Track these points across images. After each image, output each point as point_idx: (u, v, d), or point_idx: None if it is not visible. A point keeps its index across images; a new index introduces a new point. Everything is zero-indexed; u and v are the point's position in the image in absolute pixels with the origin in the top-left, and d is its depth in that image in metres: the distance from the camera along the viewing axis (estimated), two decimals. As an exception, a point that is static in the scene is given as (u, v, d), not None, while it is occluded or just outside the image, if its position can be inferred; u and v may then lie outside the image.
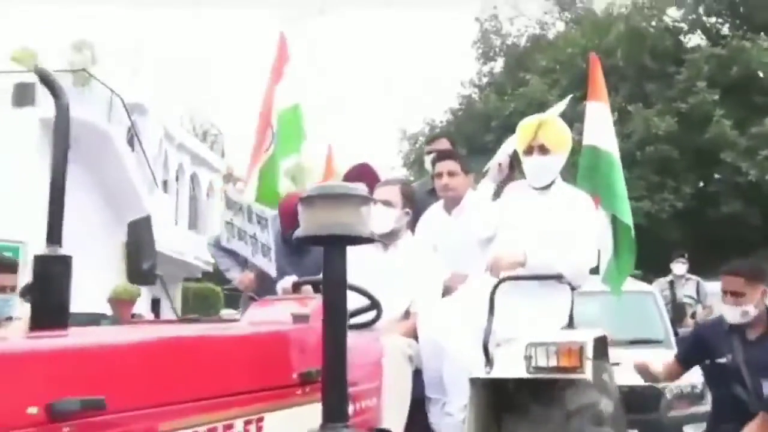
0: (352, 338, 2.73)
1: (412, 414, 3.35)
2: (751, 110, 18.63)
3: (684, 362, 4.52)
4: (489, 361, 3.43)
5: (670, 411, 6.59)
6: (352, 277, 3.71)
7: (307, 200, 2.11)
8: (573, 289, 3.91)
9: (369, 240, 2.13)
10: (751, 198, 18.36)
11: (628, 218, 4.45)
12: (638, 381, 4.76)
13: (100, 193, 18.08)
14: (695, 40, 21.78)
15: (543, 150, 3.76)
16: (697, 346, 4.44)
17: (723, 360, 4.18)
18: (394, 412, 3.20)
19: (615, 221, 4.45)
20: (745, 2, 20.89)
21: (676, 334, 7.74)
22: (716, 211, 18.49)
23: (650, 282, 9.05)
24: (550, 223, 3.71)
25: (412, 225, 4.44)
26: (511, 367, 3.40)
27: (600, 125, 4.58)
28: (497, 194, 3.98)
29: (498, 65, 24.62)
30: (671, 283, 9.27)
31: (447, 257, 4.22)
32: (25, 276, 3.85)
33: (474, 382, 3.45)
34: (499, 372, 3.42)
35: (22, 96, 17.17)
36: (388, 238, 3.85)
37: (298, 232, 2.11)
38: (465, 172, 4.33)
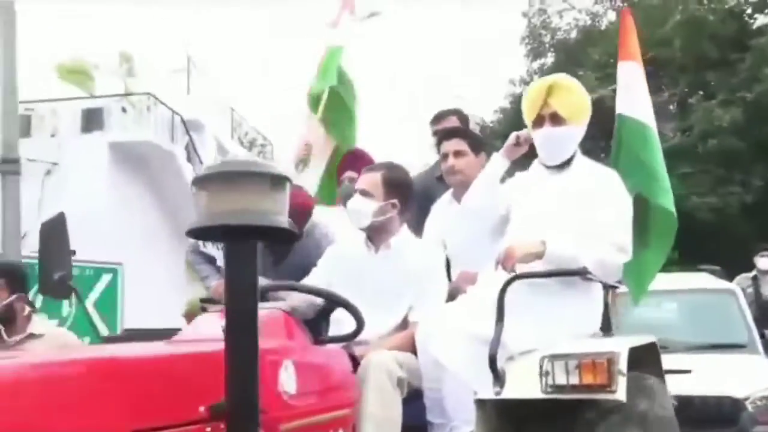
0: (309, 355, 2.31)
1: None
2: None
3: None
4: (498, 378, 2.80)
5: (754, 426, 5.50)
6: (336, 286, 3.22)
7: (200, 181, 1.57)
8: (607, 287, 3.22)
9: (289, 234, 1.60)
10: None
11: (668, 203, 3.68)
12: (712, 390, 4.02)
13: (165, 211, 18.13)
14: (762, 20, 20.51)
15: (556, 119, 3.10)
16: None
17: None
18: None
19: (645, 207, 3.65)
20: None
21: (762, 336, 6.68)
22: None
23: (731, 279, 8.07)
24: (570, 207, 3.04)
25: (417, 219, 3.82)
26: (524, 385, 2.76)
27: (633, 90, 3.83)
28: (510, 173, 3.33)
29: (548, 61, 23.68)
30: (755, 280, 8.10)
31: (457, 254, 3.61)
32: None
33: (481, 404, 2.83)
34: (510, 392, 2.77)
35: (91, 121, 17.55)
36: (377, 237, 3.24)
37: (191, 225, 1.57)
38: (475, 152, 3.68)
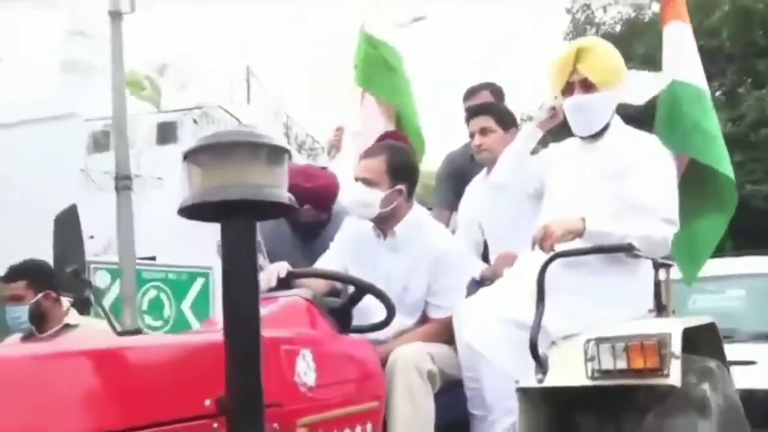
0: (333, 345, 2.21)
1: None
2: None
3: None
4: (540, 365, 2.60)
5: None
6: (351, 271, 3.04)
7: (192, 155, 1.44)
8: (660, 265, 3.00)
9: (288, 209, 1.46)
10: None
11: (728, 169, 3.38)
12: None
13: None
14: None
15: (586, 86, 2.87)
16: None
17: None
18: None
19: (702, 173, 3.38)
20: None
21: None
22: None
23: None
24: (609, 179, 2.81)
25: (451, 200, 3.63)
26: (568, 372, 2.56)
27: (681, 52, 3.55)
28: (544, 144, 3.11)
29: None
30: None
31: (493, 235, 3.42)
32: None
33: (523, 392, 2.64)
34: (554, 379, 2.58)
35: (165, 134, 18.09)
36: (384, 224, 2.99)
37: (182, 202, 1.44)
38: (504, 128, 3.46)
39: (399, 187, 2.93)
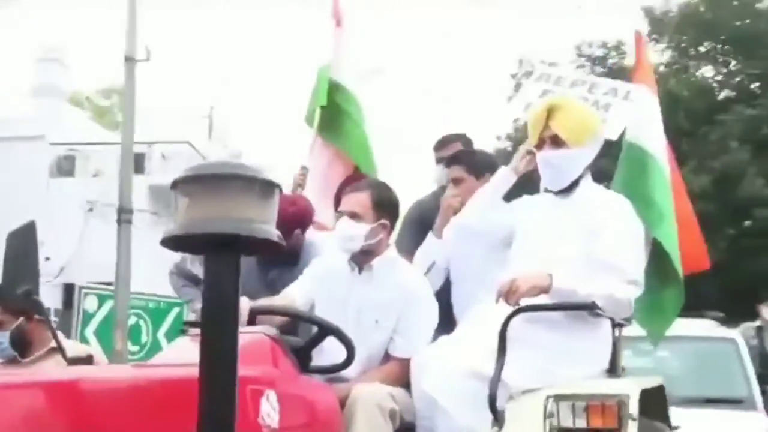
0: (296, 386, 2.12)
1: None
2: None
3: None
4: (498, 419, 2.58)
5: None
6: (318, 307, 2.99)
7: (181, 184, 1.39)
8: (615, 324, 3.03)
9: (275, 246, 1.40)
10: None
11: (671, 244, 3.42)
12: None
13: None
14: (726, 94, 21.40)
15: (556, 142, 2.94)
16: None
17: None
18: None
19: (658, 245, 3.44)
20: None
21: (764, 392, 6.10)
22: (752, 263, 17.94)
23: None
24: (577, 236, 2.86)
25: (414, 245, 3.61)
26: (526, 427, 2.54)
27: (644, 116, 3.60)
28: (516, 194, 3.15)
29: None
30: (759, 330, 7.75)
31: (460, 278, 3.41)
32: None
33: (479, 446, 2.60)
34: (512, 435, 2.56)
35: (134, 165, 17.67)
36: (363, 258, 3.00)
37: (167, 232, 1.38)
38: (476, 175, 3.49)
39: (383, 221, 2.97)
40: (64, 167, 17.27)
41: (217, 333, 1.37)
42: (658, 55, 21.07)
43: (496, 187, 3.13)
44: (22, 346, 3.46)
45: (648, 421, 2.74)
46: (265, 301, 2.89)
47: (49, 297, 12.14)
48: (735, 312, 9.27)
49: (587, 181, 3.04)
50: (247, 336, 2.38)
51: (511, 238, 3.06)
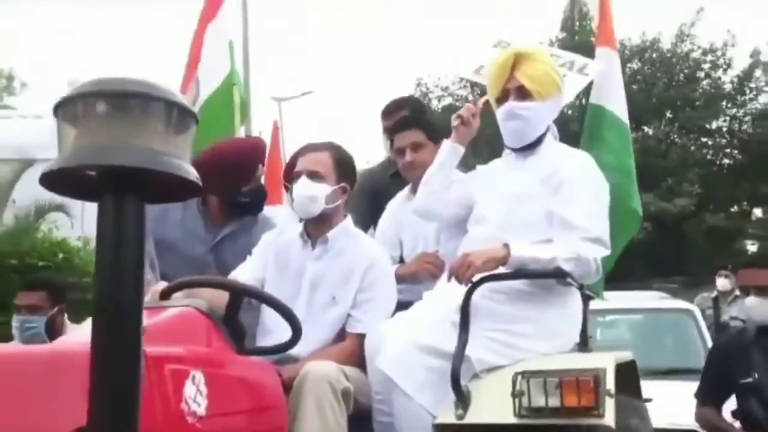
0: (230, 367, 1.94)
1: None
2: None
3: (714, 402, 3.37)
4: (462, 399, 2.34)
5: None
6: (269, 283, 2.72)
7: (64, 106, 1.08)
8: (585, 296, 2.78)
9: (190, 188, 1.12)
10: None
11: (637, 204, 3.51)
12: (678, 423, 3.67)
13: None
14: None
15: (522, 93, 2.64)
16: (721, 374, 3.34)
17: (749, 380, 3.19)
18: None
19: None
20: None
21: None
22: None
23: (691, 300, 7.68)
24: (540, 196, 2.59)
25: (369, 217, 3.35)
26: (493, 408, 2.31)
27: (608, 79, 3.53)
28: (468, 166, 2.89)
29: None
30: (715, 301, 7.79)
31: (415, 254, 3.14)
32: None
33: (441, 429, 2.37)
34: (476, 416, 2.32)
35: None
36: (317, 229, 2.74)
37: (47, 167, 1.07)
38: (435, 141, 3.19)
39: (343, 184, 2.74)
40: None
41: (114, 300, 1.08)
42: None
43: (441, 164, 2.82)
44: (51, 335, 3.56)
45: (626, 398, 2.51)
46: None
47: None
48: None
49: (550, 138, 2.76)
50: (174, 310, 2.12)
51: (471, 212, 2.79)
